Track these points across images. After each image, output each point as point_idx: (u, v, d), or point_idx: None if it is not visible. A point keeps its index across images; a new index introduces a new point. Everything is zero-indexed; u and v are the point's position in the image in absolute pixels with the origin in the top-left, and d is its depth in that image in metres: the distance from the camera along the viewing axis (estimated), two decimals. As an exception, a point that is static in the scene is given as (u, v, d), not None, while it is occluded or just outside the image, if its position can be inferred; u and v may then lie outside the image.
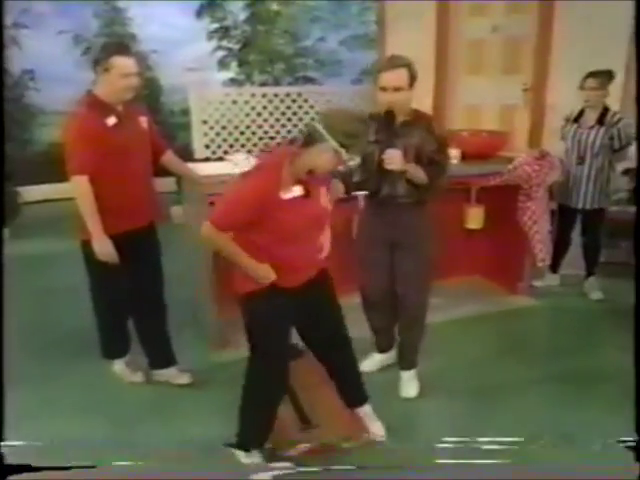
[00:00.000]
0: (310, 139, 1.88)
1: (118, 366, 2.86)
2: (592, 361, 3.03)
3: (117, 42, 2.42)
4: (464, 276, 3.95)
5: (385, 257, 2.65)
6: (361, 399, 2.38)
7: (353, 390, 2.37)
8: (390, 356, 2.96)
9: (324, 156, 1.88)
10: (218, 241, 1.95)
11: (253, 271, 1.96)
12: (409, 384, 2.76)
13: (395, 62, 2.46)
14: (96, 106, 2.42)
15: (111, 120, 2.42)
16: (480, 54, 4.94)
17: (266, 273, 1.97)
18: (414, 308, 2.69)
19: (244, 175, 1.97)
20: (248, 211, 1.88)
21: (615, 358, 3.02)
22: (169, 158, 2.76)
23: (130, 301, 2.69)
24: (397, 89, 2.44)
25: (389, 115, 2.45)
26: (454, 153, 3.60)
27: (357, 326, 2.52)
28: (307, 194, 1.93)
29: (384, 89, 2.45)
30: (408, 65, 2.45)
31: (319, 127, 1.86)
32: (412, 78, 2.46)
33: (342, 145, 1.85)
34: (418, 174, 2.49)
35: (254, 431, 2.16)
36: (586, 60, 3.78)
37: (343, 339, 2.27)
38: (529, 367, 2.97)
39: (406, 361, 2.79)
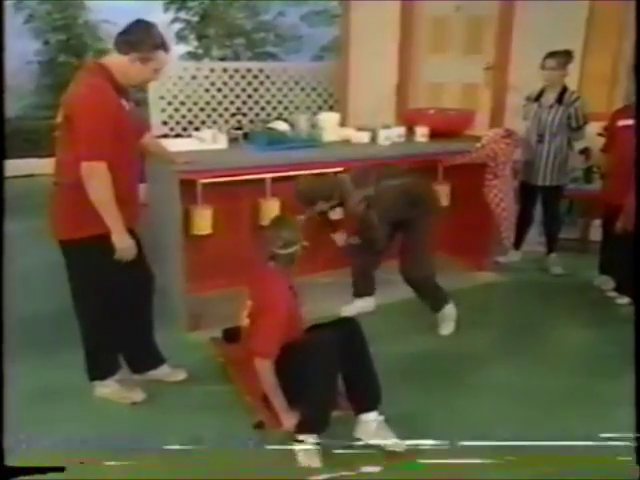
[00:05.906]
0: None
1: (110, 388, 2.44)
2: (555, 333, 3.14)
3: (161, 33, 2.18)
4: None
5: None
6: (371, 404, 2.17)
7: (363, 393, 2.17)
8: (368, 303, 3.21)
9: None
10: (270, 376, 2.11)
11: (281, 412, 2.14)
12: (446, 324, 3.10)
13: None
14: (112, 83, 2.11)
15: (124, 103, 2.16)
16: (444, 33, 4.95)
17: (288, 420, 2.12)
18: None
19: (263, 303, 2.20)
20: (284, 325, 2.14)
21: (577, 331, 3.16)
22: (149, 141, 2.55)
23: (124, 304, 2.38)
24: None
25: None
26: (422, 131, 3.63)
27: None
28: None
29: None
30: None
31: None
32: None
33: None
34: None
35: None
36: (546, 41, 3.85)
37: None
38: (497, 340, 3.05)
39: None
